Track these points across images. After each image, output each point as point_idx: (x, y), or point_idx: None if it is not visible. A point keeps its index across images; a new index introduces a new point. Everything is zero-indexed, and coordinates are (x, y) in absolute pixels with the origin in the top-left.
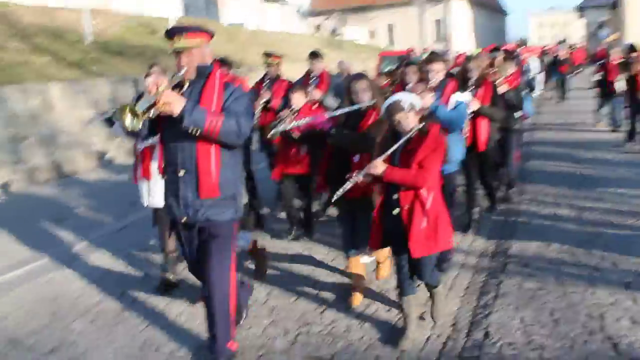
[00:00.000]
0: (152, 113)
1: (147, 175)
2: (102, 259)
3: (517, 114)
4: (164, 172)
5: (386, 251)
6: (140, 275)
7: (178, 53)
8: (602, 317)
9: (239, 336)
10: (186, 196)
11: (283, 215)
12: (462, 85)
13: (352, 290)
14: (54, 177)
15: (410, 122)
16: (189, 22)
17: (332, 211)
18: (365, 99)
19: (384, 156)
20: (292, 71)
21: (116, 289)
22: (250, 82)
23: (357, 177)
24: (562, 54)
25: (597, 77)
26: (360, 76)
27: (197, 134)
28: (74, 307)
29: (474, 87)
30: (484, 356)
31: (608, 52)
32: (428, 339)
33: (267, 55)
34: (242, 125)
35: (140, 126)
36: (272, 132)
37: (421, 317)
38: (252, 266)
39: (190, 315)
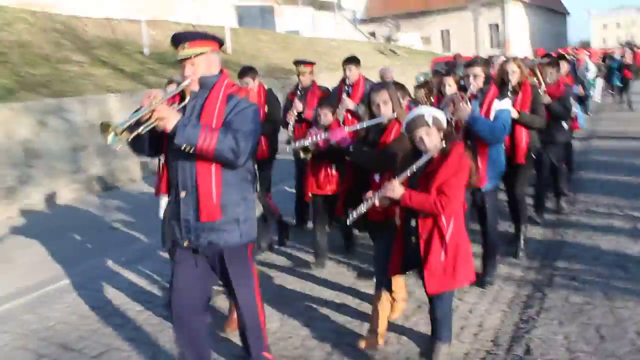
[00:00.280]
0: (142, 129)
1: (166, 191)
2: (149, 268)
3: (564, 124)
4: (168, 192)
5: (403, 290)
6: None
7: (183, 62)
8: None
9: (276, 347)
10: (187, 219)
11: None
12: (500, 90)
13: (391, 302)
14: (110, 186)
15: (432, 140)
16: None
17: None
18: (386, 111)
19: (401, 177)
20: None
21: (160, 299)
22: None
23: (373, 200)
24: (628, 57)
25: None
26: (381, 86)
27: (192, 152)
28: (121, 315)
29: (512, 92)
30: None
31: None
32: (467, 354)
33: (298, 63)
34: (240, 143)
35: (119, 145)
36: (290, 148)
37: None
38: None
39: None
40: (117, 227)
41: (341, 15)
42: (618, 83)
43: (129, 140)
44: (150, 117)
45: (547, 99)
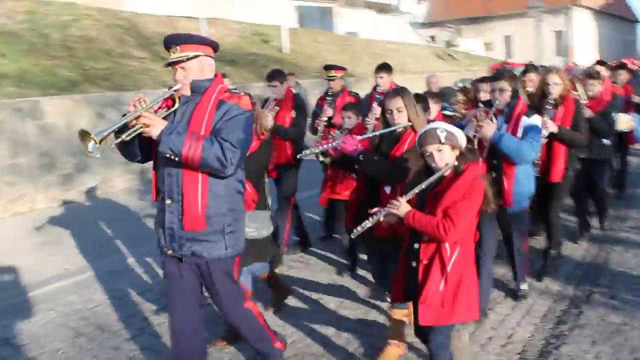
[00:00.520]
0: (125, 135)
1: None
2: None
3: (606, 142)
4: (156, 199)
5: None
6: None
7: (174, 66)
8: None
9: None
10: (171, 227)
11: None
12: (540, 103)
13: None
14: None
15: (444, 157)
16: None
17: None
18: (400, 120)
19: (409, 194)
20: (402, 83)
21: None
22: (362, 93)
23: (378, 216)
24: None
25: None
26: (396, 93)
27: (178, 161)
28: (157, 301)
29: (553, 105)
30: None
31: None
32: None
33: (328, 68)
34: (227, 153)
35: (97, 153)
36: (301, 154)
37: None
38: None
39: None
40: None
41: (401, 19)
42: None
43: (116, 146)
44: (136, 124)
45: (588, 113)
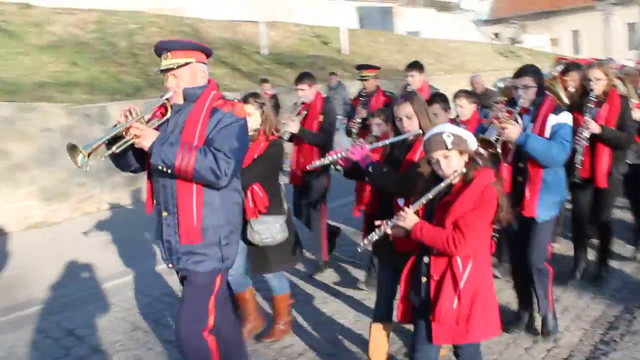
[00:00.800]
0: (116, 147)
1: (150, 210)
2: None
3: None
4: (150, 210)
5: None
6: None
7: (165, 73)
8: None
9: None
10: (169, 240)
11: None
12: (581, 100)
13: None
14: None
15: (451, 164)
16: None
17: None
18: (410, 127)
19: (416, 205)
20: (461, 82)
21: None
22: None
23: (385, 229)
24: None
25: None
26: (405, 98)
27: (171, 173)
28: None
29: (595, 102)
30: None
31: None
32: None
33: (361, 68)
34: (220, 164)
35: (87, 167)
36: (312, 164)
37: None
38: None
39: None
40: None
41: (463, 16)
42: None
43: (108, 157)
44: (127, 135)
45: (638, 114)
